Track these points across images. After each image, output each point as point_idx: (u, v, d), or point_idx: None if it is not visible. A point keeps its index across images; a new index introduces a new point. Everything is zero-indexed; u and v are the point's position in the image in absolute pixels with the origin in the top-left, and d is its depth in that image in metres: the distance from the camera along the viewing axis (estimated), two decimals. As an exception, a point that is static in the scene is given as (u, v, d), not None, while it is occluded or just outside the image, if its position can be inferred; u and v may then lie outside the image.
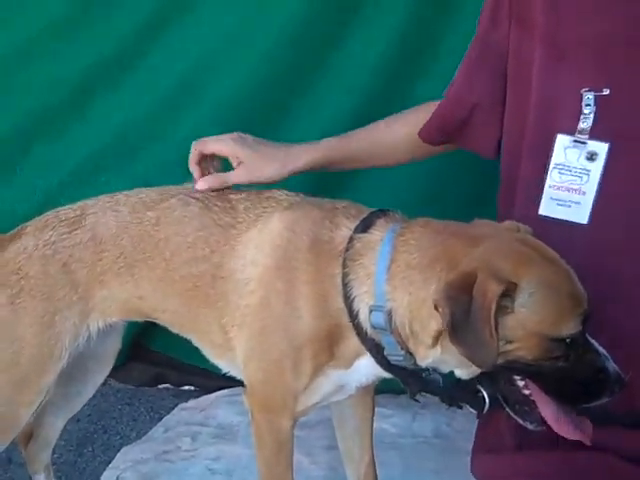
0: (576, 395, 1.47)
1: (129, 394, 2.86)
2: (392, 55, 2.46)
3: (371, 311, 1.51)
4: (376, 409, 1.95)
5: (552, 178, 1.67)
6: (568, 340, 1.41)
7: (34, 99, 2.55)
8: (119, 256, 1.76)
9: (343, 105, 2.50)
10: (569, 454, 1.69)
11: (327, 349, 1.58)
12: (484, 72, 1.80)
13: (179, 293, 1.74)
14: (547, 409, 1.51)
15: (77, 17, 2.48)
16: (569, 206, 1.66)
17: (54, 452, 2.30)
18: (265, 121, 2.51)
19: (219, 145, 1.84)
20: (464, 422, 2.36)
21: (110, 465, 2.43)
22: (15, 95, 2.55)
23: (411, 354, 1.52)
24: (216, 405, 2.65)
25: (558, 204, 1.66)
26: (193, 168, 1.84)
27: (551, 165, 1.66)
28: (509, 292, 1.37)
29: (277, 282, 1.61)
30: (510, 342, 1.41)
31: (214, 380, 2.66)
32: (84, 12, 2.48)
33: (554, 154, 1.66)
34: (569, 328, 1.41)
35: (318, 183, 2.45)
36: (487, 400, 1.59)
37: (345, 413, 1.90)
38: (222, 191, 1.79)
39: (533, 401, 1.51)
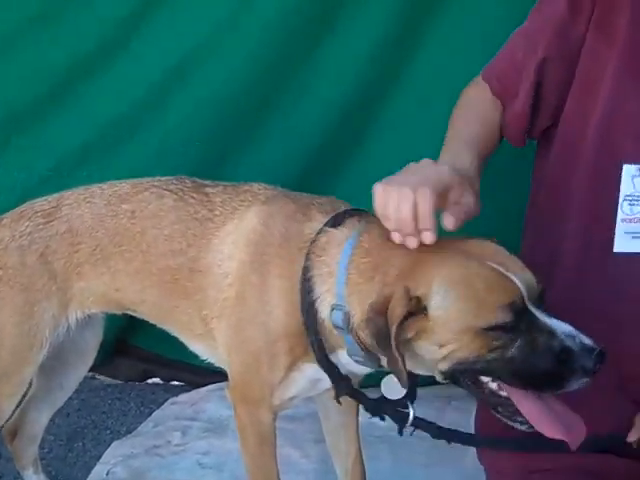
0: (546, 381, 1.40)
1: (119, 389, 2.84)
2: (381, 46, 2.41)
3: (332, 309, 1.50)
4: (366, 403, 1.94)
5: (623, 211, 1.57)
6: (501, 328, 1.37)
7: (14, 91, 2.50)
8: (95, 248, 1.76)
9: (332, 97, 2.46)
10: (585, 456, 1.64)
11: (301, 344, 1.57)
12: (556, 62, 1.65)
13: (157, 285, 1.73)
14: (526, 407, 1.44)
15: (57, 7, 2.43)
16: None
17: (44, 447, 2.29)
18: (253, 112, 2.49)
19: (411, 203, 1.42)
20: (455, 416, 2.33)
21: (100, 460, 2.41)
22: (-6, 87, 2.51)
23: (372, 354, 1.49)
24: (206, 399, 2.64)
25: (633, 237, 1.57)
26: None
27: (620, 197, 1.56)
28: (414, 309, 1.37)
29: (251, 276, 1.61)
30: (443, 346, 1.39)
31: (202, 376, 2.67)
32: (64, 1, 2.43)
33: (622, 185, 1.56)
34: (495, 317, 1.36)
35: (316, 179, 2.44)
36: (411, 417, 1.58)
37: (329, 407, 1.88)
38: (198, 183, 1.78)
39: (512, 403, 1.45)
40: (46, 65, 2.46)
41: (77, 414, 2.69)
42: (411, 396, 1.59)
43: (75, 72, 2.48)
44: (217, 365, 1.81)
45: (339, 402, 1.63)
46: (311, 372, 1.61)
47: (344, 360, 1.58)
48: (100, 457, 2.43)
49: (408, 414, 1.59)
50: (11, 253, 1.77)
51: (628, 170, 1.56)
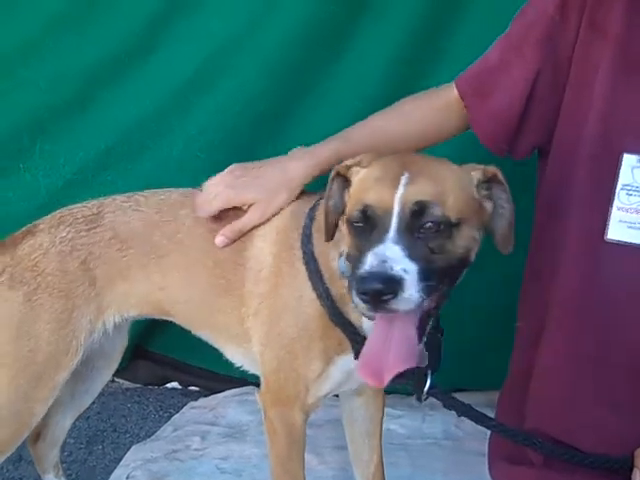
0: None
1: (138, 393, 2.87)
2: (403, 52, 2.43)
3: (340, 256, 1.57)
4: (385, 410, 1.95)
5: (620, 200, 1.59)
6: (355, 225, 1.44)
7: (38, 96, 2.52)
8: (149, 250, 1.79)
9: (353, 105, 2.46)
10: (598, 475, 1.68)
11: (332, 332, 1.59)
12: (548, 65, 1.69)
13: (206, 279, 1.77)
14: (374, 331, 1.45)
15: (81, 12, 2.45)
16: (639, 228, 1.60)
17: (64, 450, 2.31)
18: (273, 119, 2.51)
19: (222, 203, 1.76)
20: (474, 424, 2.34)
21: (120, 463, 2.43)
22: (19, 92, 2.53)
23: None
24: (225, 404, 2.65)
25: (628, 227, 1.60)
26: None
27: (618, 186, 1.59)
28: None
29: (282, 266, 1.66)
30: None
31: (219, 382, 2.72)
32: (89, 8, 2.45)
33: (621, 175, 1.59)
34: (351, 214, 1.46)
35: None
36: (428, 382, 1.61)
37: (355, 414, 1.90)
38: None
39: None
40: (70, 71, 2.49)
41: (97, 417, 2.71)
42: (433, 366, 1.61)
43: (99, 78, 2.50)
44: (251, 372, 1.83)
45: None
46: (345, 364, 1.63)
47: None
48: (120, 460, 2.44)
49: (426, 382, 1.62)
50: (51, 259, 1.79)
51: (628, 160, 1.59)
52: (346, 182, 1.56)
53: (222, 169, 2.42)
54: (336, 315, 1.59)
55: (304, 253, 1.63)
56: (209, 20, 2.46)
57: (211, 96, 2.50)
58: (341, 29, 2.44)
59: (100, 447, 2.60)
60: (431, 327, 1.59)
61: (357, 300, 1.36)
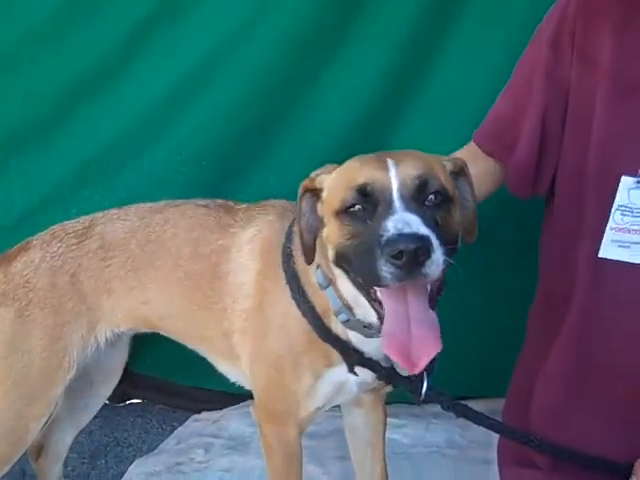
0: (367, 271, 1.32)
1: (140, 406, 2.84)
2: (395, 62, 2.36)
3: (316, 269, 1.55)
4: (388, 419, 1.95)
5: (614, 220, 1.63)
6: (350, 211, 1.38)
7: (14, 110, 2.42)
8: (126, 260, 1.79)
9: (343, 116, 2.40)
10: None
11: (319, 346, 1.58)
12: (553, 106, 1.72)
13: (182, 292, 1.76)
14: (388, 315, 1.36)
15: (59, 25, 2.35)
16: (628, 247, 1.63)
17: (67, 465, 2.31)
18: (258, 133, 2.41)
19: None
20: (477, 432, 2.32)
21: (123, 477, 2.42)
22: (-5, 105, 2.44)
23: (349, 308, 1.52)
24: (228, 417, 2.64)
25: (619, 245, 1.64)
26: None
27: (614, 207, 1.63)
28: (312, 187, 1.50)
29: (266, 283, 1.65)
30: (325, 228, 1.46)
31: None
32: (67, 20, 2.34)
33: (617, 196, 1.62)
34: (343, 200, 1.39)
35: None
36: (425, 386, 1.57)
37: (357, 424, 1.90)
38: (228, 204, 1.84)
39: (381, 305, 1.39)
40: (46, 85, 2.39)
41: (100, 432, 2.70)
42: (429, 367, 1.54)
43: (76, 93, 2.40)
44: (246, 388, 1.82)
45: (355, 373, 1.59)
46: (334, 377, 1.62)
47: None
48: (123, 475, 2.44)
49: (422, 384, 1.58)
50: (42, 274, 1.79)
51: (625, 182, 1.62)
52: (315, 197, 1.51)
53: (205, 184, 2.36)
54: (323, 331, 1.57)
55: (285, 272, 1.60)
56: (190, 33, 2.35)
57: (193, 110, 2.40)
58: (328, 42, 2.35)
59: (103, 461, 2.59)
60: None
61: (385, 270, 1.26)
